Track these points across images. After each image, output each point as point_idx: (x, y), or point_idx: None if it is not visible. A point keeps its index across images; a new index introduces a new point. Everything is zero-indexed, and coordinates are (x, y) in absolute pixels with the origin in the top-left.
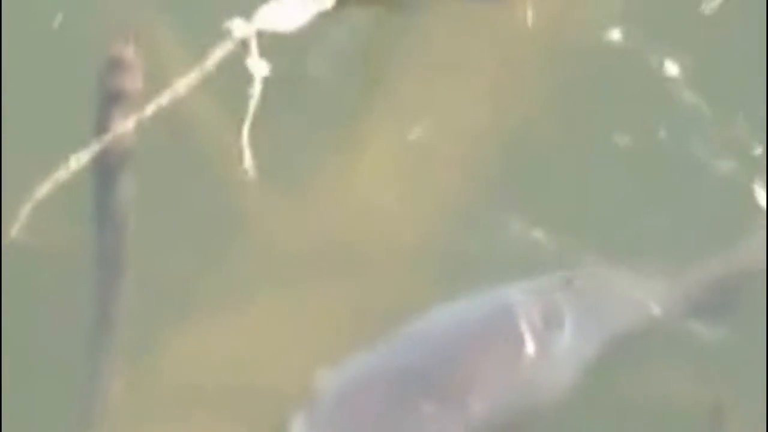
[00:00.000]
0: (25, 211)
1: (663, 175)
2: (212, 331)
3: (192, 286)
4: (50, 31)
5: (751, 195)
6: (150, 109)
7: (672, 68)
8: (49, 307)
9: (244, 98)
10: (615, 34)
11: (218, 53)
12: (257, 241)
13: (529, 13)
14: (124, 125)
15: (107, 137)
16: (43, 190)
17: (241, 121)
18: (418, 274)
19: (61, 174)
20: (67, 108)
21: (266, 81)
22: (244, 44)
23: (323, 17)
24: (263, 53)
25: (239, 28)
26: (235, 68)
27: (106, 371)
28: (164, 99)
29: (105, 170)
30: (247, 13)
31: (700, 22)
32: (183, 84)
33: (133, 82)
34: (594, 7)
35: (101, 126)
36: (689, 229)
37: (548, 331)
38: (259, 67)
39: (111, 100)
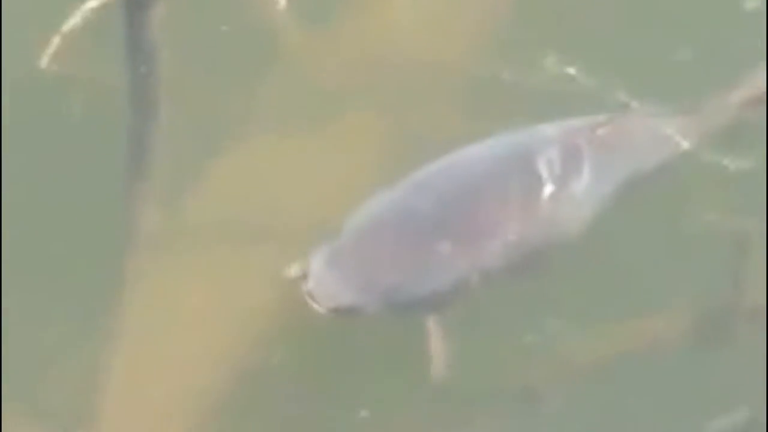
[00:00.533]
0: (56, 41)
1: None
2: (244, 164)
3: (224, 119)
4: None
5: None
6: None
7: None
8: (82, 140)
9: None
10: None
11: None
12: (290, 74)
13: None
14: None
15: None
16: (74, 20)
17: None
18: (450, 104)
19: (92, 3)
20: None
21: None
22: None
23: None
24: None
25: None
26: None
27: (140, 201)
28: None
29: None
30: None
31: None
32: None
33: None
34: None
35: None
36: (715, 64)
37: (566, 174)
38: None
39: None
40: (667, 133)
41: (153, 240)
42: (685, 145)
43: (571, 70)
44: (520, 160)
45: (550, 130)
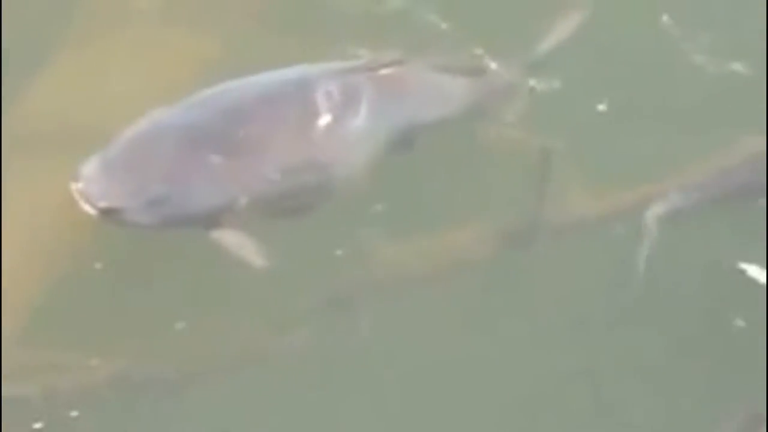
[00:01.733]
0: None
1: None
2: (68, 74)
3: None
4: None
5: None
6: None
7: None
8: None
9: None
10: None
11: None
12: None
13: None
14: None
15: None
16: None
17: None
18: (263, 22)
19: None
20: None
21: None
22: None
23: None
24: None
25: None
26: None
27: None
28: None
29: None
30: None
31: None
32: None
33: None
34: None
35: None
36: None
37: (344, 108)
38: None
39: None
40: (449, 91)
41: None
42: (467, 105)
43: None
44: (300, 88)
45: (334, 66)
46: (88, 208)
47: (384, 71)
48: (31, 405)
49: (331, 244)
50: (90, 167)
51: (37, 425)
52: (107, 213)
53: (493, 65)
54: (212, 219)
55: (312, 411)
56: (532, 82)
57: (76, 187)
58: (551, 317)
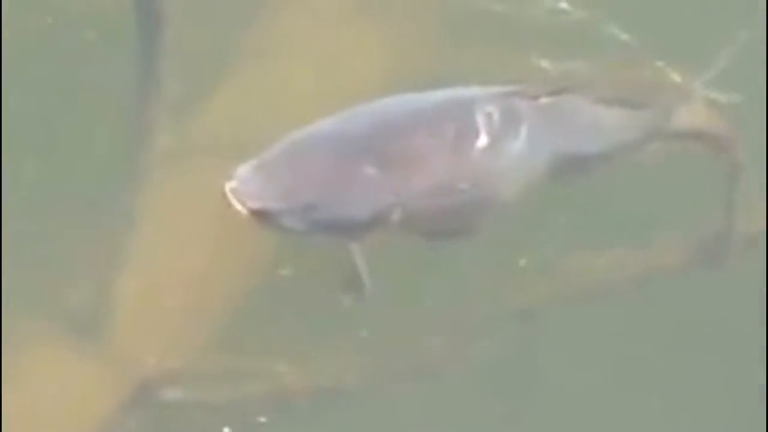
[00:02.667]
0: None
1: None
2: (250, 84)
3: (227, 43)
4: None
5: None
6: None
7: None
8: (95, 67)
9: None
10: None
11: None
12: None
13: None
14: None
15: None
16: None
17: None
18: (442, 33)
19: None
20: None
21: None
22: None
23: None
24: None
25: None
26: None
27: (150, 120)
28: None
29: None
30: None
31: None
32: None
33: None
34: None
35: None
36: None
37: (503, 132)
38: None
39: None
40: (610, 125)
41: (163, 159)
42: (627, 140)
43: (564, 4)
44: (460, 107)
45: (495, 89)
46: (239, 209)
47: (546, 99)
48: (220, 410)
49: (515, 254)
50: (245, 168)
51: (226, 430)
52: (257, 214)
53: (675, 77)
54: (360, 231)
55: (491, 421)
56: (713, 95)
57: (229, 186)
58: (748, 329)
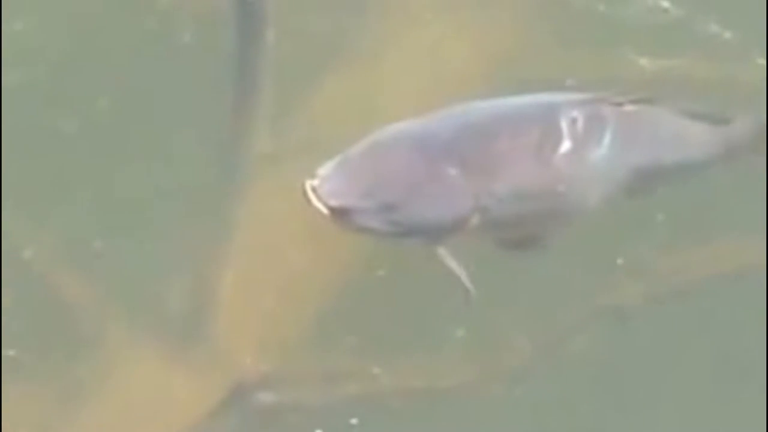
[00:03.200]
0: None
1: None
2: (348, 84)
3: (329, 42)
4: None
5: None
6: None
7: None
8: (193, 66)
9: None
10: None
11: None
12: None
13: None
14: None
15: None
16: None
17: None
18: (545, 32)
19: None
20: None
21: None
22: None
23: None
24: None
25: None
26: None
27: (249, 121)
28: None
29: None
30: None
31: None
32: None
33: None
34: None
35: None
36: None
37: (586, 139)
38: None
39: None
40: (694, 137)
41: (261, 160)
42: (711, 154)
43: (665, 3)
44: (544, 112)
45: (580, 96)
46: (319, 207)
47: (631, 107)
48: (313, 412)
49: (613, 252)
50: (327, 167)
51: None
52: (336, 213)
53: None
54: (440, 233)
55: (585, 420)
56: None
57: (309, 184)
58: None
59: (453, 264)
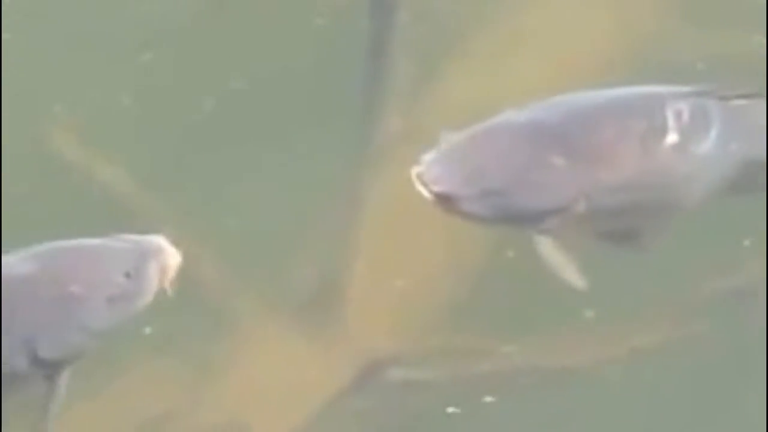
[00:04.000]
0: None
1: None
2: (478, 67)
3: (461, 23)
4: None
5: None
6: None
7: None
8: (326, 48)
9: None
10: None
11: None
12: None
13: None
14: None
15: None
16: None
17: None
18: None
19: None
20: None
21: None
22: None
23: None
24: None
25: None
26: None
27: (379, 103)
28: None
29: None
30: None
31: None
32: None
33: None
34: None
35: None
36: None
37: (693, 132)
38: None
39: None
40: None
41: (393, 141)
42: None
43: None
44: (650, 103)
45: (686, 88)
46: (424, 192)
47: (737, 101)
48: (446, 390)
49: (740, 234)
50: (433, 153)
51: (451, 410)
52: (440, 198)
53: None
54: (541, 221)
55: (709, 403)
56: None
57: (415, 170)
58: None
59: (558, 253)
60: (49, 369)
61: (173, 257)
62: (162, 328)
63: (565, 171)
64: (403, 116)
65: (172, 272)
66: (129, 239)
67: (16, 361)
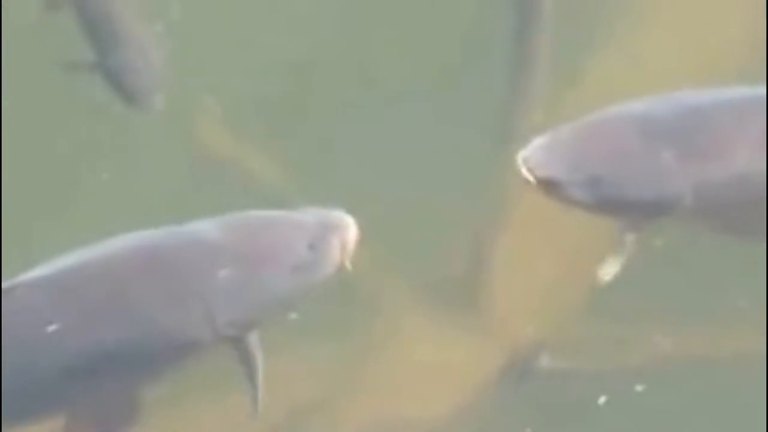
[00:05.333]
0: None
1: None
2: (621, 57)
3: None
4: None
5: None
6: None
7: None
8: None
9: None
10: None
11: None
12: None
13: None
14: None
15: None
16: None
17: None
18: None
19: None
20: None
21: None
22: None
23: None
24: None
25: None
26: None
27: (523, 97)
28: None
29: None
30: None
31: None
32: None
33: None
34: None
35: None
36: None
37: None
38: None
39: None
40: None
41: (536, 130)
42: None
43: None
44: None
45: None
46: (528, 177)
47: None
48: (597, 379)
49: None
50: (540, 138)
51: (602, 399)
52: (544, 183)
53: None
54: (648, 212)
55: None
56: None
57: (521, 154)
58: None
59: (627, 247)
60: (231, 336)
61: (354, 232)
62: (310, 314)
63: (674, 165)
64: (547, 104)
65: (352, 247)
66: (313, 212)
67: (199, 326)
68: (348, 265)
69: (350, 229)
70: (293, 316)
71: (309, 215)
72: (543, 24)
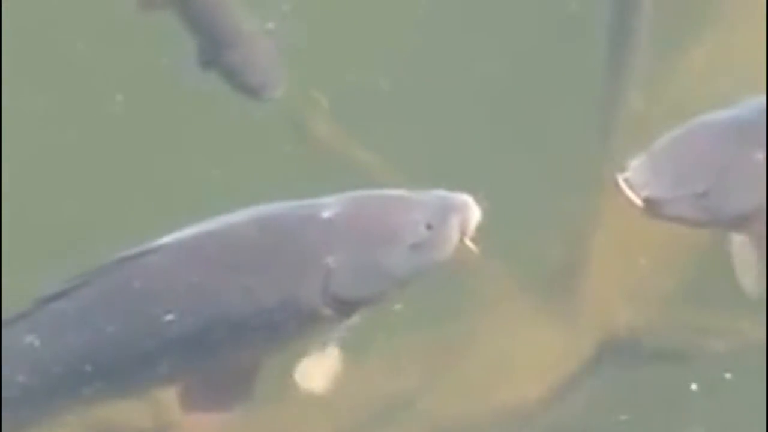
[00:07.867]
0: None
1: None
2: (721, 43)
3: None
4: None
5: None
6: None
7: None
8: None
9: None
10: None
11: None
12: None
13: None
14: None
15: None
16: None
17: None
18: None
19: None
20: None
21: None
22: None
23: None
24: None
25: None
26: None
27: (622, 84)
28: None
29: None
30: None
31: None
32: None
33: None
34: None
35: None
36: None
37: None
38: None
39: None
40: None
41: (633, 121)
42: None
43: None
44: None
45: None
46: (632, 199)
47: None
48: (688, 366)
49: None
50: (639, 158)
51: (693, 386)
52: (650, 203)
53: None
54: (750, 220)
55: None
56: None
57: (621, 177)
58: None
59: (748, 254)
60: (346, 311)
61: (475, 214)
62: (410, 303)
63: (765, 165)
64: (646, 95)
65: (472, 228)
66: (434, 193)
67: (316, 299)
68: (473, 246)
69: (471, 210)
70: (397, 306)
71: (429, 195)
72: (644, 13)
